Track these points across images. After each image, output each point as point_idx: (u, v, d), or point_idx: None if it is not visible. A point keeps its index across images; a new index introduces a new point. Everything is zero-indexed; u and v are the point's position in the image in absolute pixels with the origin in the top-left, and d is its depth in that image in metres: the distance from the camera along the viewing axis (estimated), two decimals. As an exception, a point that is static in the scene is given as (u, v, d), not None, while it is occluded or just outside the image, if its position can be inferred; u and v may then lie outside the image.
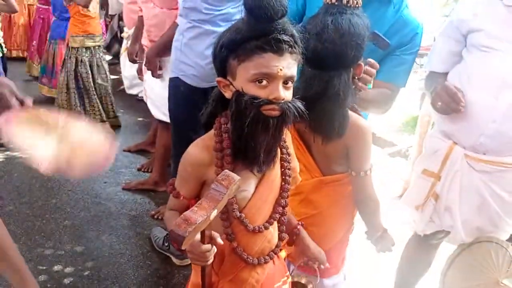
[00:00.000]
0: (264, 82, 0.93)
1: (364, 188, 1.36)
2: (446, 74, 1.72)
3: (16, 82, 1.29)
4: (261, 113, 0.93)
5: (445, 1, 4.35)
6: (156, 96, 2.80)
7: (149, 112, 3.02)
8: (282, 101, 0.93)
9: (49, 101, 4.78)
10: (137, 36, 3.05)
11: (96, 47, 3.99)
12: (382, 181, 3.51)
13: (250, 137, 0.96)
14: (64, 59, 4.00)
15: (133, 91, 4.18)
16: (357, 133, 1.29)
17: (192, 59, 2.16)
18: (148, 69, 2.70)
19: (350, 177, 1.36)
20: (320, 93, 1.22)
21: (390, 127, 5.02)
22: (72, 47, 3.89)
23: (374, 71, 1.35)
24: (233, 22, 2.13)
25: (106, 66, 4.11)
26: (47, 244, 2.42)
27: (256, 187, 1.05)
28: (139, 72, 3.22)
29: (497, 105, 1.51)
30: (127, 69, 3.97)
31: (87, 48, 3.92)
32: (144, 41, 2.86)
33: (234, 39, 0.95)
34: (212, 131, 1.05)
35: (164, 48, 2.51)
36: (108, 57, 5.92)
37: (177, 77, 2.22)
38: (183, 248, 0.79)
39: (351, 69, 1.26)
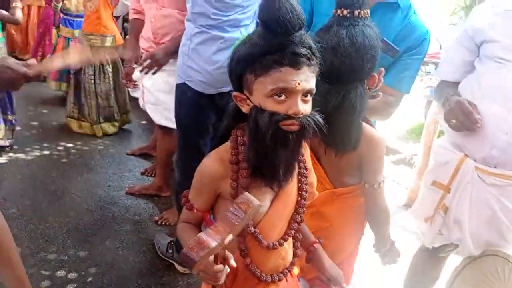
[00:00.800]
0: (283, 97, 0.91)
1: (376, 200, 1.34)
2: (457, 83, 1.71)
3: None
4: (280, 129, 0.91)
5: (452, 9, 4.34)
6: (157, 100, 2.76)
7: (152, 116, 3.00)
8: (301, 115, 0.92)
9: (57, 98, 4.78)
10: (135, 46, 2.83)
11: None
12: (387, 189, 3.49)
13: (269, 153, 0.94)
14: None
15: (136, 94, 4.17)
16: (371, 144, 1.28)
17: (199, 65, 2.15)
18: (153, 68, 2.51)
19: (362, 189, 1.35)
20: (336, 107, 1.20)
21: (394, 135, 5.00)
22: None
23: (382, 79, 1.34)
24: (240, 28, 2.16)
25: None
26: (51, 249, 2.40)
27: (272, 202, 1.04)
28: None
29: (510, 117, 1.49)
30: (131, 71, 3.94)
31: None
32: (144, 44, 2.75)
33: (250, 53, 0.93)
34: (227, 143, 1.03)
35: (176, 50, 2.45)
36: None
37: (184, 83, 2.20)
38: (194, 272, 0.77)
39: (365, 80, 1.24)
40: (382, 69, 1.33)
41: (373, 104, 1.47)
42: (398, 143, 4.79)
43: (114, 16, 5.60)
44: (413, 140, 4.94)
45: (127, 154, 3.70)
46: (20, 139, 3.73)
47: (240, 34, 2.17)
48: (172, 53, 2.49)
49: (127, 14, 5.29)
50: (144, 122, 4.44)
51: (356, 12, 1.22)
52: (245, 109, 0.98)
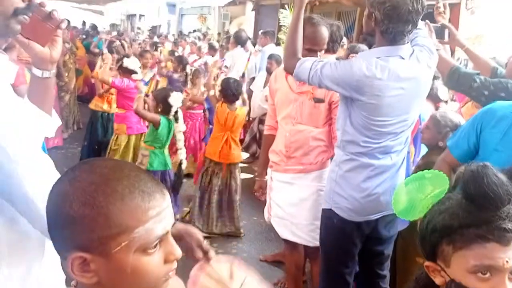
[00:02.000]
0: (487, 275, 0.84)
1: None
2: None
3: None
4: None
5: None
6: (285, 214, 2.72)
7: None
8: None
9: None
10: (265, 161, 2.87)
11: None
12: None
13: None
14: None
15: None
16: None
17: (347, 192, 2.10)
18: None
19: None
20: None
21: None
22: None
23: None
24: (391, 154, 2.07)
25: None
26: None
27: None
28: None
29: None
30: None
31: None
32: (274, 158, 2.76)
33: (450, 225, 0.89)
34: None
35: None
36: (245, 155, 6.23)
37: (330, 209, 2.15)
38: None
39: None
40: None
41: None
42: None
43: (252, 118, 5.99)
44: None
45: (260, 260, 3.69)
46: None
47: (390, 160, 2.09)
48: None
49: (263, 115, 5.63)
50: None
51: None
52: (438, 280, 0.93)
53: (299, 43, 2.13)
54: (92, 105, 5.48)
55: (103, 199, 0.73)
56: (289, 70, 2.16)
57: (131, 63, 4.65)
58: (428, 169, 1.59)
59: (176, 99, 3.78)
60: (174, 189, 3.89)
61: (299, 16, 2.13)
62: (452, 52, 3.07)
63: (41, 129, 1.24)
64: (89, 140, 5.32)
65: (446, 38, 2.51)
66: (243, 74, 4.62)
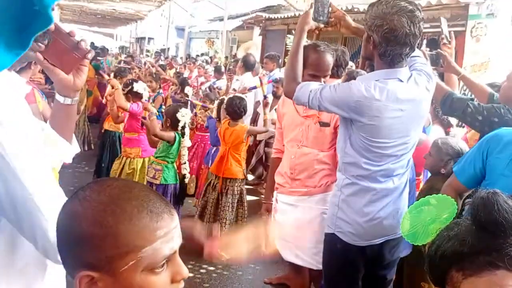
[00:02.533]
0: None
1: None
2: None
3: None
4: None
5: None
6: (287, 236, 2.74)
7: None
8: None
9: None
10: (272, 185, 2.91)
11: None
12: None
13: None
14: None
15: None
16: None
17: (350, 216, 2.11)
18: None
19: None
20: None
21: None
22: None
23: None
24: (393, 178, 2.09)
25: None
26: None
27: None
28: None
29: None
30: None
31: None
32: (279, 179, 2.81)
33: (460, 251, 0.88)
34: None
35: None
36: (251, 177, 6.25)
37: (333, 233, 2.15)
38: None
39: None
40: None
41: None
42: None
43: (258, 140, 6.04)
44: None
45: (265, 282, 3.67)
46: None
47: (393, 184, 2.10)
48: None
49: (269, 138, 5.67)
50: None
51: None
52: None
53: (299, 68, 2.18)
54: (106, 126, 5.55)
55: (112, 219, 0.75)
56: (289, 94, 2.20)
57: (141, 87, 4.78)
58: (431, 194, 1.62)
59: (184, 115, 4.01)
60: (178, 202, 4.07)
61: (300, 42, 2.19)
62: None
63: (59, 154, 1.27)
64: (104, 159, 5.34)
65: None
66: (265, 96, 4.78)
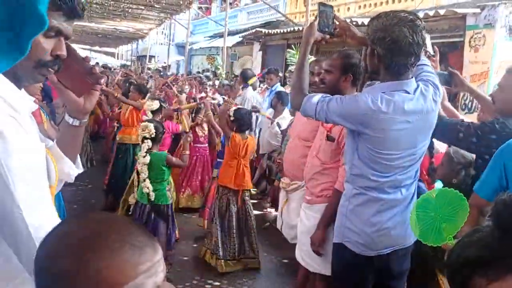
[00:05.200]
0: None
1: None
2: None
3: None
4: None
5: None
6: (297, 238, 2.84)
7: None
8: None
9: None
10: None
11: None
12: None
13: None
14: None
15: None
16: None
17: (357, 226, 2.10)
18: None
19: None
20: None
21: None
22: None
23: None
24: (401, 189, 2.08)
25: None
26: None
27: None
28: None
29: None
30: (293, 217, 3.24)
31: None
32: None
33: (483, 256, 0.85)
34: None
35: (331, 218, 2.46)
36: (253, 191, 6.22)
37: (341, 243, 2.15)
38: None
39: None
40: None
41: None
42: None
43: (260, 154, 6.03)
44: None
45: (271, 297, 3.64)
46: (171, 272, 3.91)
47: (401, 194, 2.10)
48: (329, 221, 2.52)
49: (272, 151, 5.67)
50: (285, 260, 4.40)
51: None
52: None
53: (305, 79, 2.19)
54: (119, 138, 5.63)
55: (91, 255, 0.72)
56: (296, 107, 2.21)
57: (156, 105, 4.95)
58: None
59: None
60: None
61: (306, 54, 2.20)
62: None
63: (60, 173, 1.27)
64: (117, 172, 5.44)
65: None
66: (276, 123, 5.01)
